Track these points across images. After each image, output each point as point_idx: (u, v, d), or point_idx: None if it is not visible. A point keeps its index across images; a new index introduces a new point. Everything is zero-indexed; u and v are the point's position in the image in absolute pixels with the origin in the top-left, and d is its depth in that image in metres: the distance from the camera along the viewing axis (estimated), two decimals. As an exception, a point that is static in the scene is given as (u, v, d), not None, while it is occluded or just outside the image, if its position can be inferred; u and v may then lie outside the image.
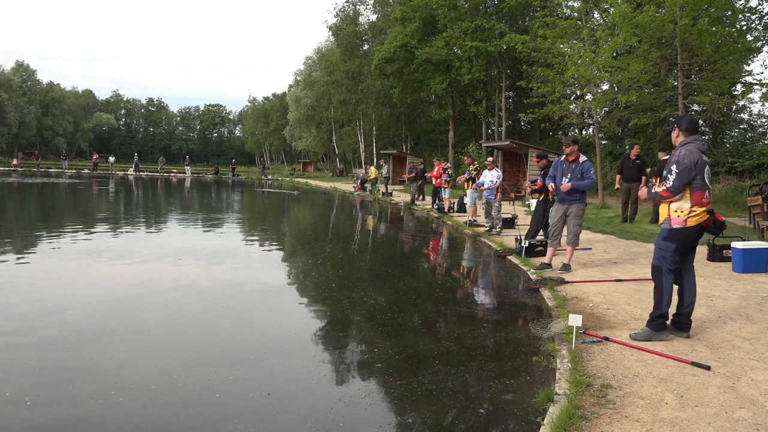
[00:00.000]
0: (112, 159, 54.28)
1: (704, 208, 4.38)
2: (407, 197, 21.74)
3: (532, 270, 7.64)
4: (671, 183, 4.35)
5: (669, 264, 4.44)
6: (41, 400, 3.44)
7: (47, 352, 4.29)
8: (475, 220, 13.34)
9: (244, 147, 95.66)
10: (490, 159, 12.31)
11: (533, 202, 9.80)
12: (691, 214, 4.37)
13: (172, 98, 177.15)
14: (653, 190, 4.52)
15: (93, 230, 11.79)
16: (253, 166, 55.87)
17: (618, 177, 13.11)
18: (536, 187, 9.17)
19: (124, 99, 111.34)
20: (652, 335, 4.46)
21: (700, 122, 23.38)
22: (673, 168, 4.34)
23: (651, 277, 4.61)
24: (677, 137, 4.55)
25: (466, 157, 14.44)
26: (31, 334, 4.69)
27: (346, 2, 41.86)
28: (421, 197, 21.38)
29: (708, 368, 3.85)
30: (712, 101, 15.64)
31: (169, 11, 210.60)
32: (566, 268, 7.44)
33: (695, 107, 18.35)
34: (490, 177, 11.58)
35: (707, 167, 4.40)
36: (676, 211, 4.43)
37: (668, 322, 4.55)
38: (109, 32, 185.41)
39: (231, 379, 3.81)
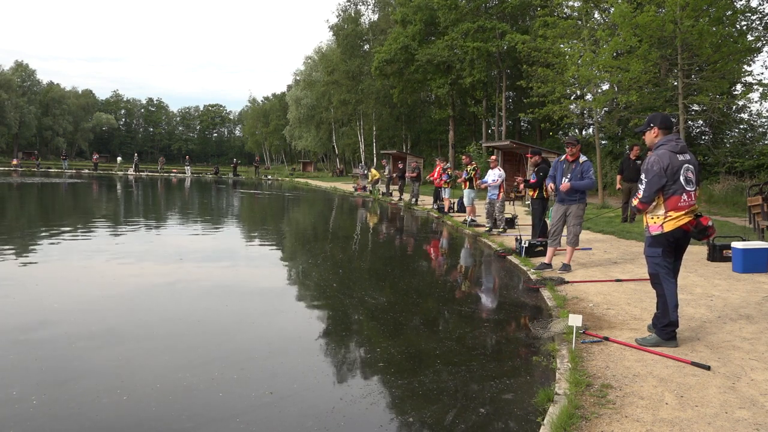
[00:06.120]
0: (120, 159, 55.08)
1: (683, 212, 4.20)
2: (406, 197, 21.84)
3: (532, 270, 7.66)
4: (642, 194, 4.26)
5: (663, 269, 4.33)
6: (47, 398, 3.47)
7: (52, 351, 4.31)
8: (474, 220, 13.35)
9: (244, 147, 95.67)
10: (493, 157, 12.32)
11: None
12: (666, 219, 4.24)
13: (172, 98, 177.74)
14: (632, 204, 4.44)
15: (94, 230, 11.82)
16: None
17: (619, 177, 13.23)
18: (531, 183, 9.15)
19: (124, 99, 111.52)
20: (660, 343, 4.32)
21: (700, 122, 23.43)
22: (642, 177, 4.25)
23: (652, 287, 4.49)
24: (656, 137, 4.34)
25: (464, 157, 14.44)
26: (36, 334, 4.72)
27: (347, 2, 41.94)
28: (395, 195, 23.56)
29: (708, 368, 3.87)
30: (712, 101, 15.66)
31: (169, 11, 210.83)
32: (566, 268, 7.46)
33: (695, 107, 18.37)
34: (493, 176, 11.60)
35: (686, 166, 4.20)
36: (652, 218, 4.33)
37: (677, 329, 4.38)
38: (110, 32, 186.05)
39: (234, 379, 3.84)
